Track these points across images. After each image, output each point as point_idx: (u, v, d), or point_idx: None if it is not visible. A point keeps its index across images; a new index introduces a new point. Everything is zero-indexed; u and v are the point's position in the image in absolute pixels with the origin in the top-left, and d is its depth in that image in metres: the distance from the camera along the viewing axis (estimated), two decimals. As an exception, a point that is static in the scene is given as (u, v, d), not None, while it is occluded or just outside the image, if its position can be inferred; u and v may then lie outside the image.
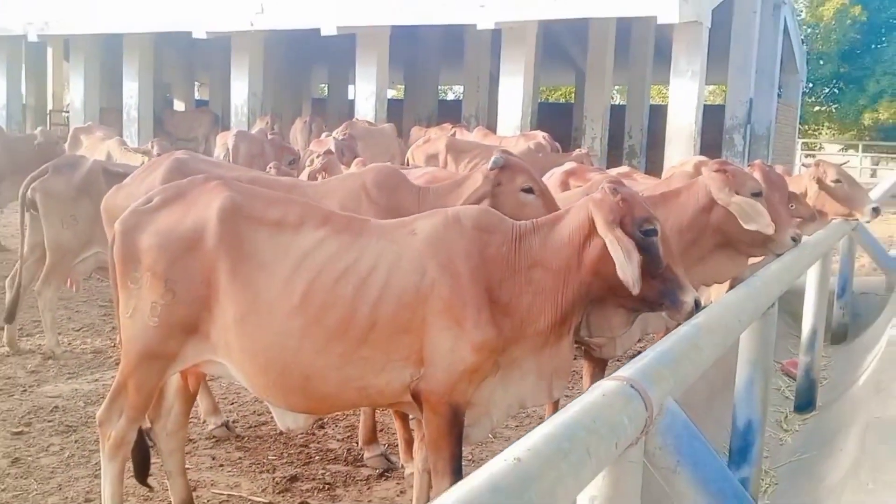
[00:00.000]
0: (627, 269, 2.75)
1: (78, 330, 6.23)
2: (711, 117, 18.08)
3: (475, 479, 1.13)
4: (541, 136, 11.18)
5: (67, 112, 22.47)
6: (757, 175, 5.00)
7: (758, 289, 2.82)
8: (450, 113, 20.67)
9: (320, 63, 26.41)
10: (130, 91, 18.02)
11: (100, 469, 3.59)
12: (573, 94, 27.40)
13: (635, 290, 2.74)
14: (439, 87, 26.43)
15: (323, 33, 15.26)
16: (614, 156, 18.70)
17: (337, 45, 18.68)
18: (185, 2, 17.10)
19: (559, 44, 22.26)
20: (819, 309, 4.96)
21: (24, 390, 4.74)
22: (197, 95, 29.73)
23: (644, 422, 1.59)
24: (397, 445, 4.04)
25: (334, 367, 2.95)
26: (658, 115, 17.73)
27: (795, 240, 3.99)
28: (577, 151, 10.16)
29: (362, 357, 2.94)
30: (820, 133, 34.49)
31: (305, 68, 26.68)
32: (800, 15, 28.69)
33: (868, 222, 5.92)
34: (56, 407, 4.53)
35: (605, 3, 12.74)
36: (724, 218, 4.04)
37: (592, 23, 16.65)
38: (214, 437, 4.28)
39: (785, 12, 19.00)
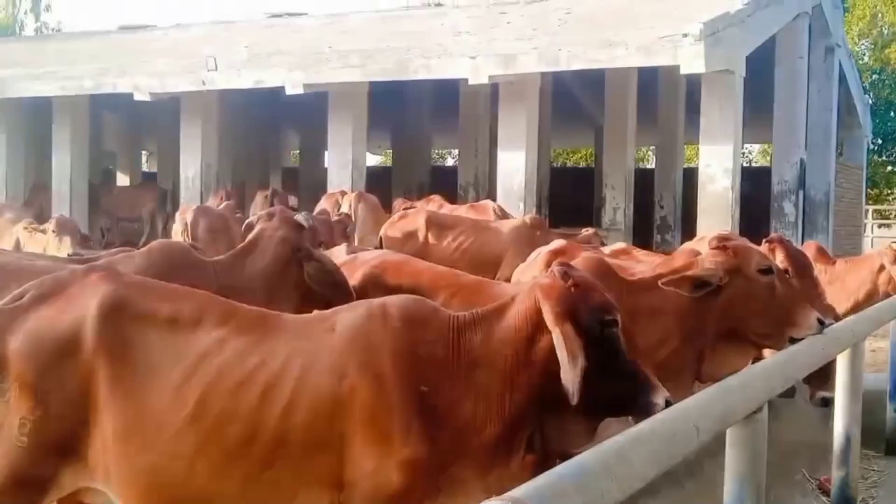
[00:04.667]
0: (569, 373, 2.81)
1: None
2: (757, 182, 18.33)
3: None
4: (491, 206, 11.48)
5: (-13, 189, 22.86)
6: (778, 254, 5.10)
7: (731, 390, 2.88)
8: (446, 181, 20.98)
9: (291, 127, 26.95)
10: (61, 163, 18.38)
11: None
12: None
13: (573, 400, 2.80)
14: (434, 153, 26.89)
15: (288, 92, 15.65)
16: (643, 229, 18.88)
17: (309, 105, 19.11)
18: (124, 58, 17.62)
19: (574, 99, 22.73)
20: (851, 410, 4.98)
21: None
22: (146, 167, 30.29)
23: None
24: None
25: (235, 493, 3.00)
26: (694, 180, 17.98)
27: (822, 323, 4.04)
28: (584, 231, 10.32)
29: (269, 481, 2.98)
30: (894, 197, 34.80)
31: (274, 133, 27.22)
32: (861, 59, 29.30)
33: None
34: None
35: (616, 52, 13.09)
36: (729, 302, 4.11)
37: (608, 74, 17.05)
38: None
39: (840, 56, 19.44)
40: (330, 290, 4.57)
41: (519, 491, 1.70)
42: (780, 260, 4.89)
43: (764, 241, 5.18)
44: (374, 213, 13.06)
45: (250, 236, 4.82)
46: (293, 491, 2.98)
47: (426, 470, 2.97)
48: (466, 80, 14.40)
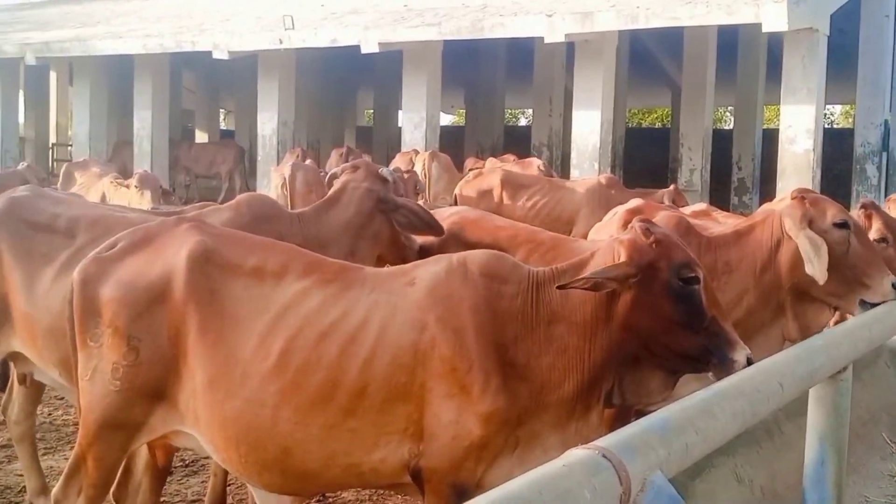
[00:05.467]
0: None
1: (60, 399, 6.48)
2: (840, 143, 17.88)
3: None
4: (536, 163, 11.41)
5: (72, 145, 23.48)
6: (875, 222, 4.93)
7: (815, 350, 2.84)
8: (519, 141, 20.89)
9: (365, 86, 27.05)
10: (142, 120, 18.75)
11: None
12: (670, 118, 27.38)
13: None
14: (507, 112, 26.73)
15: (363, 51, 15.68)
16: (720, 190, 18.58)
17: (383, 64, 19.18)
18: (203, 17, 17.84)
19: (651, 58, 22.37)
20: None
21: (-9, 467, 4.99)
22: (223, 125, 30.73)
23: (618, 498, 1.65)
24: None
25: (317, 440, 3.05)
26: (774, 141, 17.61)
27: (897, 288, 3.96)
28: (663, 190, 10.19)
29: (350, 429, 3.03)
30: None
31: (348, 92, 27.36)
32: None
33: None
34: (25, 487, 4.72)
35: (697, 9, 12.82)
36: (794, 258, 4.04)
37: (687, 32, 16.72)
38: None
39: (929, 14, 18.74)
40: (424, 232, 4.65)
41: (605, 441, 1.72)
42: (876, 228, 4.73)
43: (858, 206, 5.04)
44: (448, 173, 13.09)
45: (334, 188, 4.86)
46: (373, 440, 3.03)
47: (504, 422, 3.00)
48: (542, 38, 14.26)
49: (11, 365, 4.57)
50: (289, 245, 3.48)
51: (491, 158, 13.80)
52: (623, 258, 3.01)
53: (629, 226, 3.15)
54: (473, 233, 4.62)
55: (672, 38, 17.88)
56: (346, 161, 15.40)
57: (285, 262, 3.26)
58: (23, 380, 4.58)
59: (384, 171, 4.75)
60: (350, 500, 4.71)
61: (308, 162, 13.59)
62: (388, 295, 3.14)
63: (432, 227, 4.66)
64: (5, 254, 4.19)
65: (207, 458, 5.10)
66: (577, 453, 1.63)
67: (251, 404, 3.05)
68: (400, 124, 20.38)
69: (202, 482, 4.90)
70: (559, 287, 2.96)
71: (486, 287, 3.10)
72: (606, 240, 3.31)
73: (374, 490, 4.69)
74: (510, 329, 3.06)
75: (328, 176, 5.13)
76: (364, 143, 23.59)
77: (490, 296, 3.09)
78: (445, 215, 4.90)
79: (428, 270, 3.20)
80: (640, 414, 3.91)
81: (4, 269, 4.19)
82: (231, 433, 3.09)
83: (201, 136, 26.79)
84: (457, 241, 4.56)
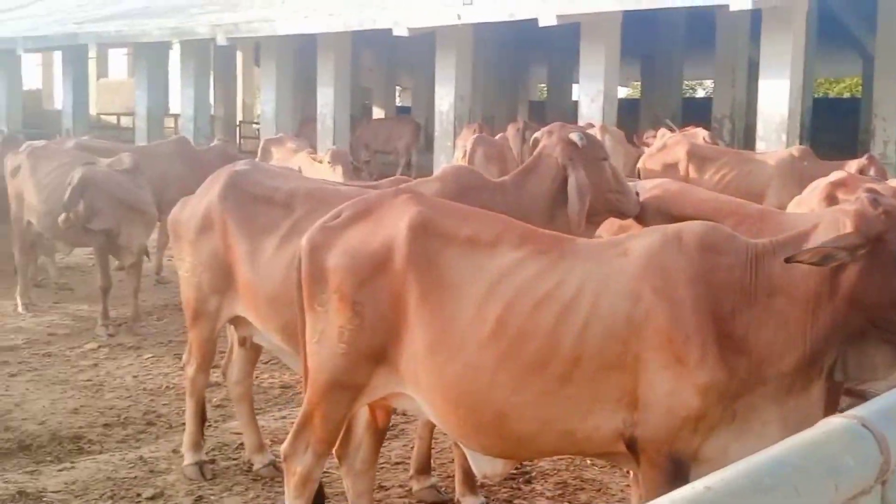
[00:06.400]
0: None
1: (265, 363, 6.86)
2: None
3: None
4: (702, 134, 11.12)
5: (258, 123, 24.53)
6: None
7: None
8: (697, 113, 20.37)
9: (538, 60, 26.97)
10: (325, 98, 19.35)
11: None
12: (860, 88, 26.03)
13: None
14: (684, 83, 26.10)
15: (541, 24, 15.63)
16: (916, 164, 17.58)
17: (558, 37, 19.03)
18: (384, -5, 18.17)
19: (840, 25, 21.30)
20: None
21: (209, 425, 5.34)
22: (399, 101, 31.34)
23: (878, 468, 1.64)
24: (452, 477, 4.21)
25: (532, 405, 3.13)
26: (977, 110, 16.51)
27: None
28: (858, 160, 9.74)
29: (565, 396, 3.10)
30: None
31: (521, 67, 27.37)
32: None
33: None
34: (242, 444, 5.06)
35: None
36: None
37: (882, -5, 15.87)
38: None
39: None
40: (617, 197, 4.66)
41: (861, 410, 1.71)
42: None
43: None
44: (622, 146, 12.95)
45: (531, 157, 4.90)
46: (587, 407, 3.08)
47: (722, 395, 2.99)
48: (727, 6, 13.82)
49: (231, 328, 4.88)
50: (501, 215, 3.57)
51: (688, 129, 13.52)
52: (850, 229, 2.94)
53: (855, 197, 3.07)
54: (677, 205, 4.59)
55: (865, 2, 16.97)
56: (523, 136, 15.51)
57: (499, 231, 3.35)
58: (243, 342, 4.89)
59: (574, 135, 4.71)
60: (547, 469, 4.79)
61: (500, 135, 14.04)
62: (601, 265, 3.18)
63: (628, 194, 4.63)
64: (230, 224, 4.47)
65: (407, 422, 5.34)
66: (834, 421, 1.64)
67: (469, 369, 3.16)
68: (575, 98, 20.26)
69: (404, 445, 5.10)
70: (787, 260, 2.92)
71: (702, 258, 3.10)
72: (828, 211, 3.22)
73: (569, 459, 4.77)
74: (727, 301, 3.05)
75: (532, 139, 5.16)
76: (538, 117, 23.49)
77: (706, 267, 3.08)
78: (648, 187, 4.87)
79: (642, 241, 3.22)
80: (849, 392, 3.82)
81: (229, 238, 4.47)
82: (450, 396, 3.22)
83: (378, 113, 27.42)
84: (659, 213, 4.54)
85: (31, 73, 34.18)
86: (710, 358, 2.99)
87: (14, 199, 8.81)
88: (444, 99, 17.97)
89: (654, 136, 13.06)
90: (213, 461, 4.90)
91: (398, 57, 26.09)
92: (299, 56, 20.97)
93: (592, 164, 4.70)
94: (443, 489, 4.49)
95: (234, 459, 5.00)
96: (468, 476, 4.16)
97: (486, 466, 3.38)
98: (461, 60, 17.84)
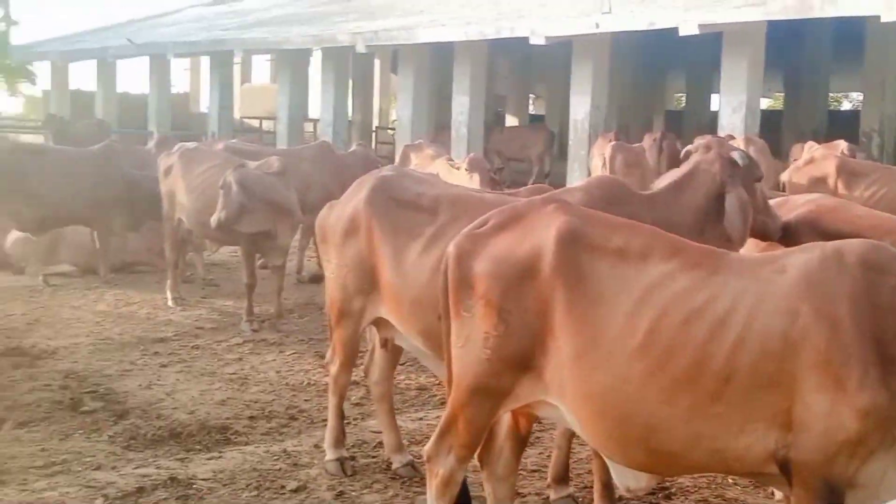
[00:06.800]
0: None
1: (402, 364, 6.98)
2: None
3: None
4: (843, 146, 10.76)
5: (393, 129, 24.93)
6: None
7: None
8: (843, 126, 19.67)
9: (676, 69, 26.55)
10: (461, 106, 19.50)
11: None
12: None
13: None
14: (829, 95, 25.24)
15: (681, 33, 15.38)
16: None
17: (698, 46, 18.69)
18: (521, 3, 18.21)
19: None
20: None
21: (348, 422, 5.47)
22: (531, 110, 31.34)
23: None
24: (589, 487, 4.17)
25: (682, 421, 3.09)
26: None
27: None
28: None
29: (715, 413, 3.05)
30: None
31: (658, 76, 26.98)
32: None
33: None
34: (381, 443, 5.16)
35: None
36: None
37: None
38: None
39: None
40: (763, 219, 4.57)
41: None
42: None
43: None
44: (764, 159, 12.61)
45: (685, 170, 4.83)
46: (739, 426, 3.02)
47: (882, 420, 2.89)
48: (878, 16, 13.30)
49: (373, 329, 4.98)
50: (651, 227, 3.54)
51: (835, 143, 13.09)
52: None
53: None
54: (832, 221, 4.45)
55: None
56: (661, 147, 15.28)
57: (649, 243, 3.32)
58: (384, 344, 4.98)
59: (736, 154, 4.65)
60: (688, 486, 4.71)
61: (640, 144, 14.08)
62: (756, 282, 3.12)
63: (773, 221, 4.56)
64: (376, 228, 4.57)
65: (542, 430, 5.33)
66: None
67: (617, 380, 3.14)
68: (713, 108, 19.83)
69: (539, 453, 5.11)
70: None
71: (864, 277, 3.01)
72: None
73: (711, 476, 4.68)
74: (891, 323, 2.95)
75: (682, 152, 5.11)
76: (674, 127, 23.13)
77: (868, 287, 2.99)
78: (800, 202, 4.75)
79: (799, 258, 3.14)
80: None
81: (375, 242, 4.57)
82: (596, 407, 3.20)
83: (511, 121, 27.49)
84: (812, 229, 4.41)
85: (180, 78, 35.78)
86: (871, 381, 2.90)
87: (166, 198, 9.21)
88: (580, 108, 17.86)
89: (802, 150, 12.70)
90: (353, 458, 5.02)
91: (532, 65, 26.10)
92: (435, 64, 21.22)
93: (749, 184, 4.63)
94: (580, 500, 4.47)
95: (374, 457, 5.10)
96: (607, 488, 4.13)
97: (630, 480, 3.35)
98: (598, 69, 17.71)
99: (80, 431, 5.36)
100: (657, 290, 3.18)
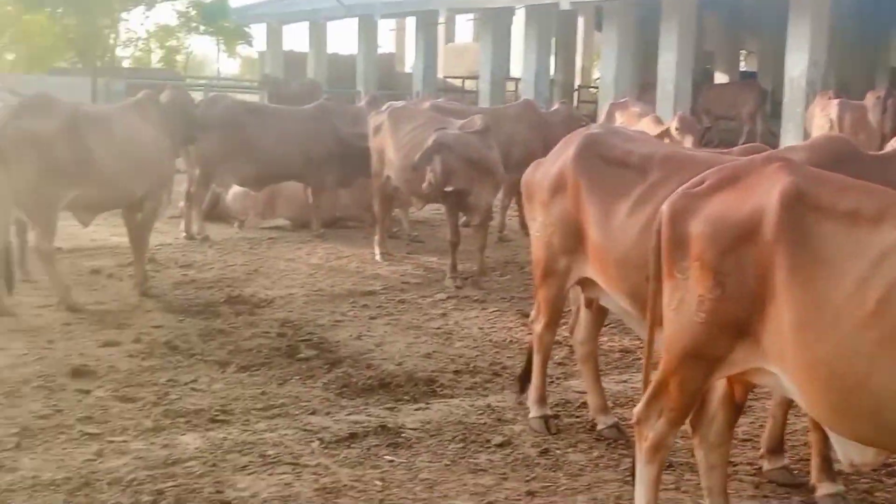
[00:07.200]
0: None
1: (605, 325, 6.92)
2: None
3: None
4: None
5: (596, 88, 24.57)
6: None
7: None
8: None
9: (900, 24, 24.72)
10: (667, 62, 18.96)
11: (627, 475, 4.05)
12: None
13: None
14: None
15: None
16: None
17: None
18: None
19: None
20: None
21: (552, 381, 5.47)
22: (742, 66, 30.08)
23: None
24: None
25: (916, 399, 2.89)
26: None
27: None
28: None
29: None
30: None
31: (881, 29, 25.21)
32: None
33: None
34: (584, 403, 5.15)
35: None
36: None
37: None
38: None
39: None
40: None
41: None
42: None
43: None
44: None
45: None
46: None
47: None
48: None
49: (577, 289, 4.91)
50: (885, 188, 3.30)
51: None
52: None
53: None
54: None
55: None
56: (884, 106, 14.31)
57: (884, 205, 3.10)
58: (589, 304, 4.94)
59: None
60: None
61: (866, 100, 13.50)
62: None
63: None
64: (583, 187, 4.51)
65: (755, 398, 5.14)
66: None
67: (844, 350, 2.97)
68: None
69: (751, 423, 4.93)
70: None
71: None
72: None
73: None
74: None
75: None
76: (898, 85, 21.67)
77: None
78: None
79: None
80: None
81: (581, 200, 4.51)
82: (820, 377, 3.04)
83: (720, 78, 26.48)
84: None
85: (386, 38, 36.60)
86: None
87: (375, 155, 9.47)
88: (796, 64, 17.00)
89: None
90: (556, 416, 5.03)
91: (744, 19, 24.99)
92: (640, 21, 20.68)
93: None
94: (795, 472, 4.29)
95: (577, 417, 5.09)
96: (826, 462, 3.95)
97: (854, 454, 3.18)
98: (816, 24, 16.78)
99: (297, 377, 5.62)
100: (891, 257, 2.97)
